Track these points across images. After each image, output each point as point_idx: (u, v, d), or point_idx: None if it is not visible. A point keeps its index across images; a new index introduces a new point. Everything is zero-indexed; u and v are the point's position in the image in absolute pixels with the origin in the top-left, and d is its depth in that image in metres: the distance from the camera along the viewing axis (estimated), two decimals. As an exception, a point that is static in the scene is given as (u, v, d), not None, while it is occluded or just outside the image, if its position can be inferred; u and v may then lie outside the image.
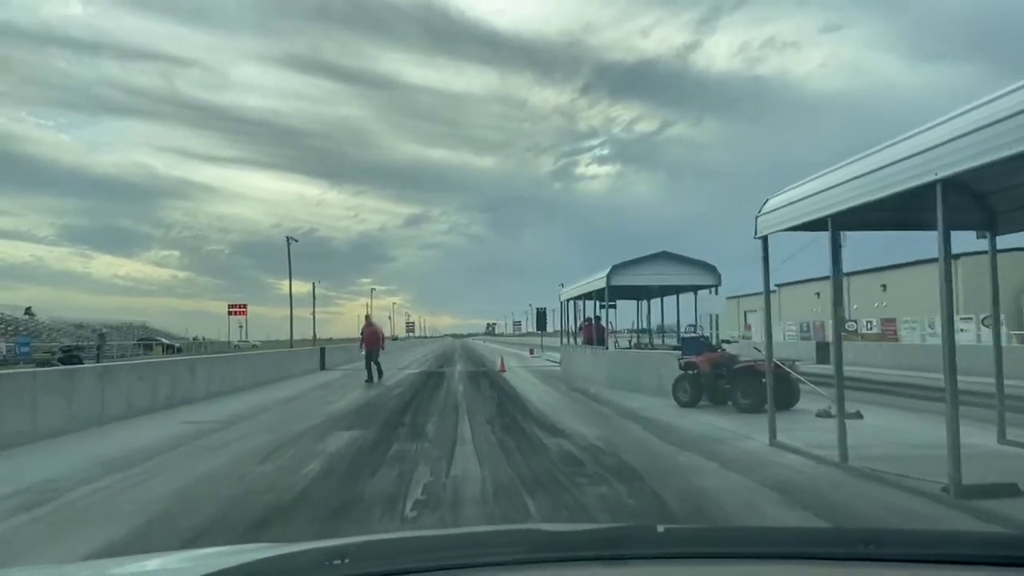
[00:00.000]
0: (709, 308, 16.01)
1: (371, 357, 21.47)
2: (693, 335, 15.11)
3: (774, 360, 13.15)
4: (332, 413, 13.16)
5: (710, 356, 13.40)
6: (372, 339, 21.93)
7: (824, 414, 11.31)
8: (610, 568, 1.35)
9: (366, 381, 20.61)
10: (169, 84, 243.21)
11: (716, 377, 13.20)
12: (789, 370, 12.48)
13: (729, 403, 13.10)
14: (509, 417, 12.26)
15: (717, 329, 18.14)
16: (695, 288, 19.60)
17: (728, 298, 20.08)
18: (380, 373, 21.51)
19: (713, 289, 17.64)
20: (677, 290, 21.14)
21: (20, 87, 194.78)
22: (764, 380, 12.39)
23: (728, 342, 14.44)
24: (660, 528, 1.57)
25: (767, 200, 9.20)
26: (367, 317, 23.88)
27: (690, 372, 13.56)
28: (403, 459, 8.21)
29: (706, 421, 11.24)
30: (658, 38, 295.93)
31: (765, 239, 9.11)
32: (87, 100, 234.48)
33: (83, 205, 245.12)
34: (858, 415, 11.25)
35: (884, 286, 47.61)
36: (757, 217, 9.22)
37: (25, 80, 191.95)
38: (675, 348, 19.18)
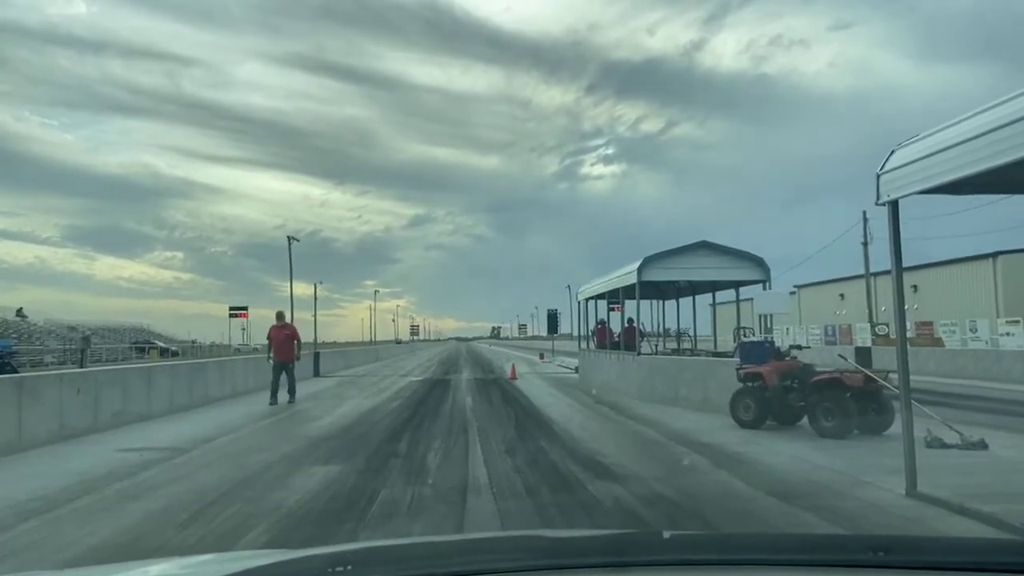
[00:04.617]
0: (765, 307, 13.54)
1: (281, 370, 15.50)
2: (756, 339, 12.55)
3: (863, 371, 10.69)
4: (311, 437, 10.63)
5: (778, 365, 10.85)
6: (284, 345, 15.62)
7: (936, 443, 8.77)
8: (615, 575, 1.31)
9: (270, 403, 14.98)
10: (173, 83, 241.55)
11: (785, 391, 10.67)
12: (884, 383, 9.95)
13: (799, 424, 10.62)
14: (533, 444, 9.71)
15: (769, 331, 15.58)
16: (739, 284, 17.08)
17: (743, 300, 17.57)
18: (292, 392, 15.63)
19: (764, 284, 15.13)
20: (714, 286, 18.63)
21: (24, 86, 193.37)
22: (849, 395, 10.02)
23: (800, 348, 11.85)
24: (665, 534, 1.55)
25: (893, 152, 6.66)
26: (279, 314, 16.58)
27: (752, 385, 11.02)
28: (391, 520, 5.69)
29: (788, 452, 8.69)
30: (664, 36, 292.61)
31: (894, 204, 6.56)
32: (91, 99, 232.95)
33: (86, 205, 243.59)
34: (982, 444, 8.75)
35: (915, 287, 45.01)
36: (879, 175, 6.67)
37: (29, 79, 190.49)
38: (715, 354, 16.70)
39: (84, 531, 5.48)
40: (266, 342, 16.31)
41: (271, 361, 15.67)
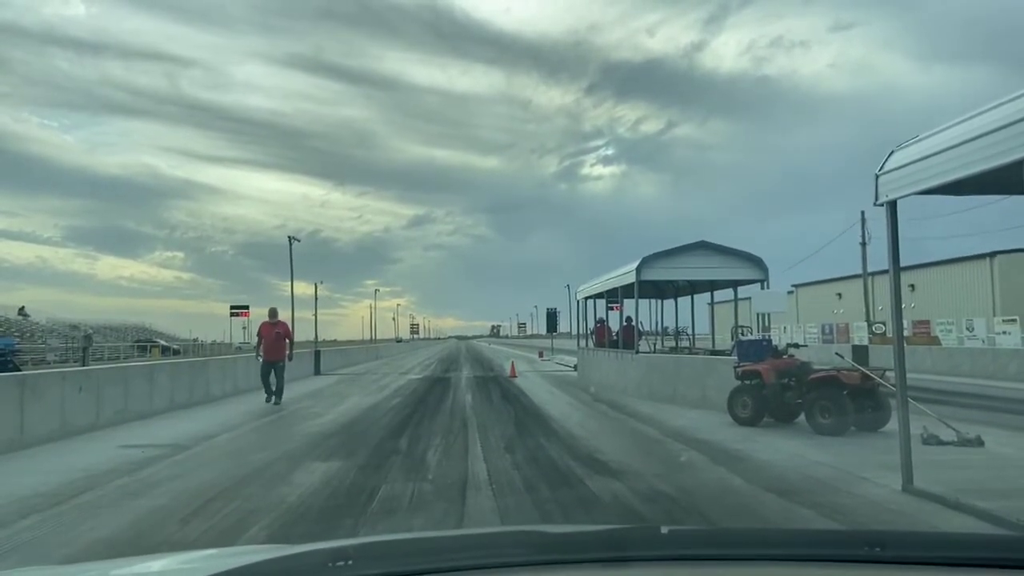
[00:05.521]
0: (763, 306, 13.60)
1: (270, 368, 14.77)
2: (753, 337, 12.61)
3: (860, 369, 10.75)
4: (311, 434, 10.68)
5: (776, 363, 10.90)
6: (275, 344, 14.85)
7: (933, 440, 8.83)
8: (613, 570, 1.34)
9: (266, 401, 14.58)
10: (173, 84, 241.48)
11: (783, 389, 10.72)
12: (881, 381, 10.01)
13: (796, 422, 10.68)
14: (532, 441, 9.76)
15: (767, 330, 15.64)
16: (737, 283, 17.13)
17: (741, 299, 17.62)
18: (279, 393, 14.79)
19: (762, 284, 15.18)
20: (713, 286, 18.67)
21: (23, 87, 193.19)
22: (846, 393, 10.08)
23: (797, 346, 11.91)
24: (664, 529, 1.54)
25: (892, 153, 6.72)
26: (271, 311, 15.74)
27: (749, 383, 11.07)
28: (391, 516, 5.74)
29: (786, 449, 8.75)
30: (664, 37, 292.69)
31: (892, 205, 6.61)
32: (90, 100, 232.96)
33: (87, 206, 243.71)
34: (978, 441, 8.80)
35: (912, 286, 45.08)
36: (878, 176, 6.72)
37: (28, 81, 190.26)
38: (713, 353, 16.74)
39: (86, 526, 5.53)
40: (256, 338, 15.56)
41: (259, 359, 15.01)
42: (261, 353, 15.02)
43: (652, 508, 5.90)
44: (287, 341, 15.27)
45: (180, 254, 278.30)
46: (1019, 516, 5.24)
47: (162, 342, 67.56)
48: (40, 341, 54.41)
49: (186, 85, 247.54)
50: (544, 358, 41.03)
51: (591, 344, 22.00)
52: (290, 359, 15.37)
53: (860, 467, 7.34)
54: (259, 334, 15.32)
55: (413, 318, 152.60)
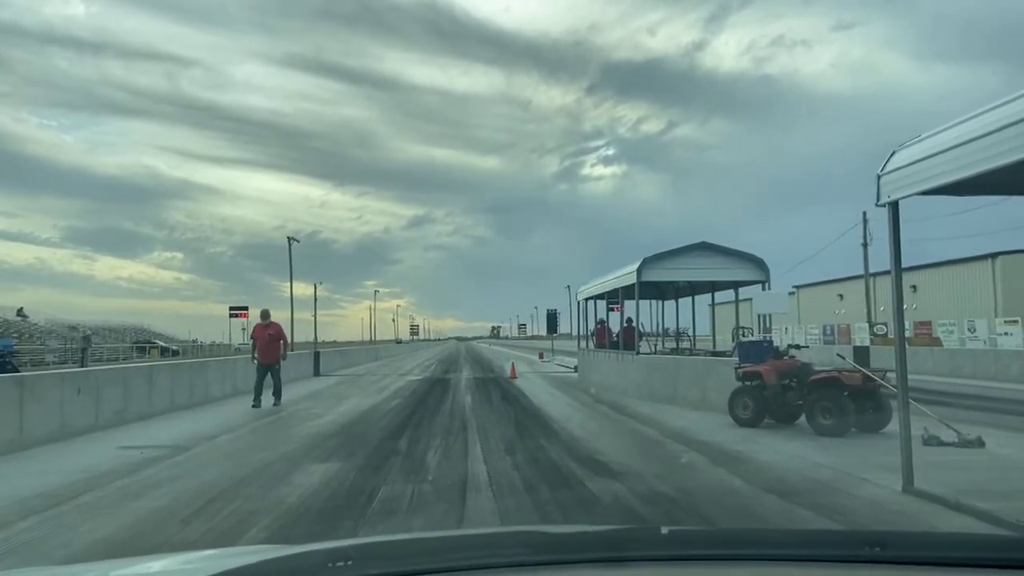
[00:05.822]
0: (764, 307, 13.60)
1: (266, 371, 14.68)
2: (754, 339, 12.61)
3: (861, 370, 10.74)
4: (311, 435, 10.67)
5: (777, 364, 10.89)
6: (269, 346, 14.74)
7: (933, 441, 8.82)
8: (614, 570, 1.33)
9: (253, 406, 14.10)
10: (172, 84, 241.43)
11: (784, 390, 10.71)
12: (882, 382, 10.00)
13: (797, 423, 10.66)
14: (532, 442, 9.74)
15: (768, 331, 15.63)
16: (738, 284, 17.11)
17: (742, 300, 17.62)
18: (278, 394, 14.83)
19: (763, 285, 15.18)
20: (713, 287, 18.66)
21: (23, 87, 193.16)
22: (847, 394, 10.06)
23: (799, 347, 11.91)
24: (664, 530, 1.55)
25: (894, 153, 6.71)
26: (264, 312, 15.44)
27: (750, 384, 11.06)
28: (391, 517, 5.72)
29: (786, 450, 8.73)
30: (665, 37, 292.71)
31: (894, 205, 6.60)
32: (90, 100, 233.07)
33: (86, 206, 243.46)
34: (979, 442, 8.79)
35: (914, 287, 45.07)
36: (880, 177, 6.72)
37: (28, 80, 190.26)
38: (714, 354, 16.74)
39: (86, 527, 5.52)
40: (251, 341, 15.42)
41: (255, 361, 14.90)
42: (257, 356, 14.89)
43: (653, 509, 5.89)
44: (281, 343, 15.15)
45: (179, 255, 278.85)
46: (1019, 517, 5.23)
47: (161, 343, 67.62)
48: (39, 342, 54.43)
49: (186, 85, 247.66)
50: (544, 359, 41.01)
51: (591, 345, 21.99)
52: (283, 359, 15.22)
53: (861, 468, 7.33)
54: (253, 336, 15.30)
55: (413, 319, 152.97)
